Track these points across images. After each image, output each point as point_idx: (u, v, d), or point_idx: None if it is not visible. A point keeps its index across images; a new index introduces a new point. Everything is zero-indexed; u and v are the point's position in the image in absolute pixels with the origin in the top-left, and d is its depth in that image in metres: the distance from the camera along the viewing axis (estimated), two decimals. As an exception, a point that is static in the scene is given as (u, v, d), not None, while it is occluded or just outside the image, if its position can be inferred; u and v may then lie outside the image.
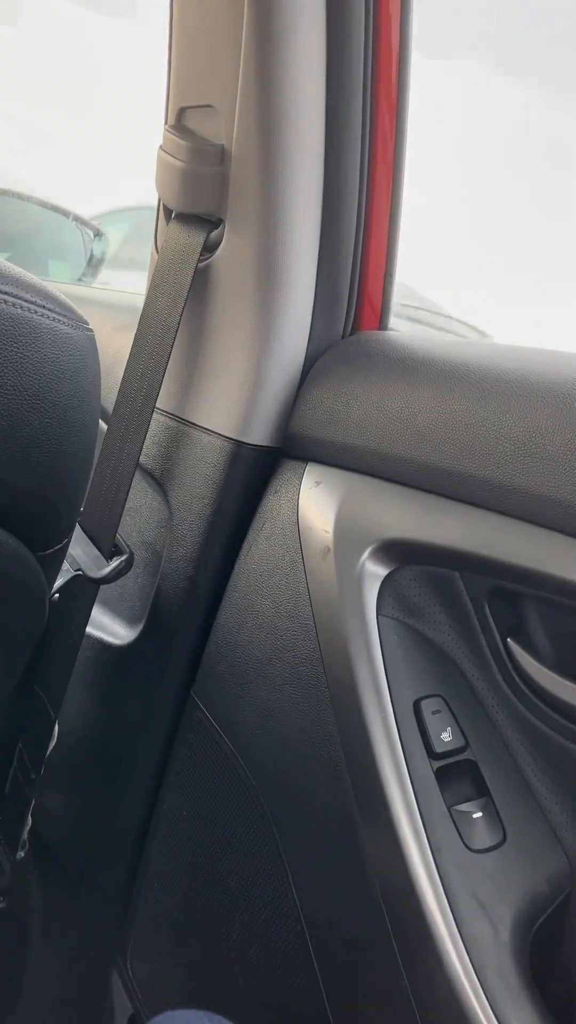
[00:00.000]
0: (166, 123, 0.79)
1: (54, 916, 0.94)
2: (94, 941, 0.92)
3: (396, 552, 0.66)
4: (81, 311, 0.60)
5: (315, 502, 0.72)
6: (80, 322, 0.59)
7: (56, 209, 1.39)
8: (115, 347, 0.86)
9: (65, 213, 1.39)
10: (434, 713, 0.63)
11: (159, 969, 0.86)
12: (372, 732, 0.63)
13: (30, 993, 0.94)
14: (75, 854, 0.93)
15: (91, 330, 0.60)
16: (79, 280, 1.46)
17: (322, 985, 0.68)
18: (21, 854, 0.85)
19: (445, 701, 0.64)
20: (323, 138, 0.73)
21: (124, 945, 0.89)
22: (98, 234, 1.39)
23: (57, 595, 0.77)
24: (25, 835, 0.85)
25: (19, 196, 1.44)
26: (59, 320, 0.57)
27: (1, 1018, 0.93)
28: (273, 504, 0.76)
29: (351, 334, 0.80)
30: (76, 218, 1.39)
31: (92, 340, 0.60)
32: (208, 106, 0.75)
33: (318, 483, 0.73)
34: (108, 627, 0.89)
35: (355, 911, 0.64)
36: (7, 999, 0.92)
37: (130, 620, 0.88)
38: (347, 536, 0.68)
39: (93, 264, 1.42)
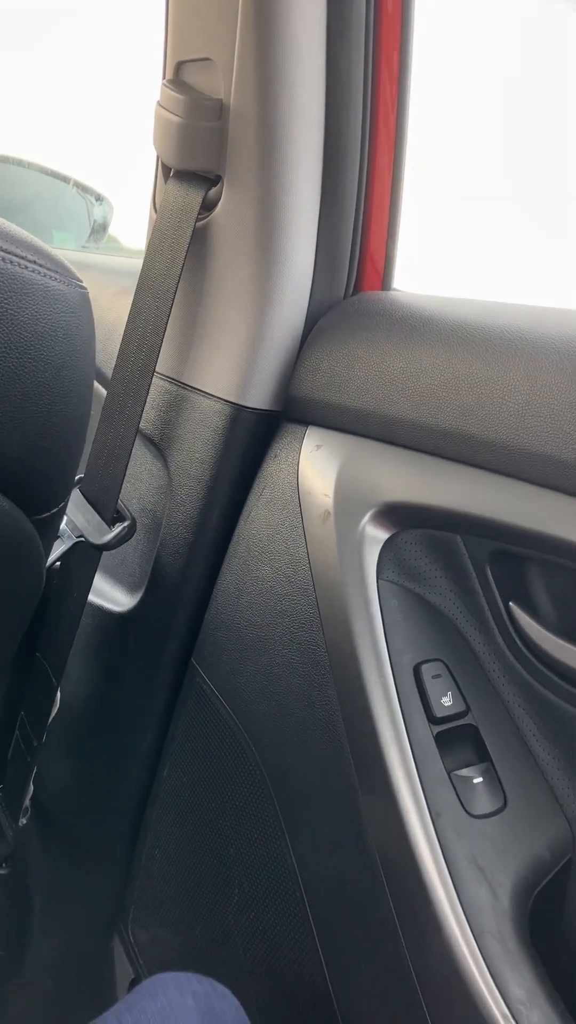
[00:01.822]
0: (164, 78, 0.77)
1: (56, 882, 0.95)
2: (96, 907, 0.92)
3: (397, 515, 0.65)
4: (82, 276, 0.58)
5: (315, 466, 0.71)
6: (73, 279, 0.57)
7: (56, 175, 1.37)
8: (116, 311, 0.85)
9: (65, 179, 1.36)
10: (434, 677, 0.63)
11: (160, 934, 0.86)
12: (372, 697, 0.62)
13: (33, 957, 0.95)
14: (77, 821, 0.93)
15: (84, 288, 0.58)
16: (83, 248, 1.45)
17: (320, 950, 0.68)
18: (23, 820, 0.86)
19: (446, 665, 0.63)
20: (324, 91, 0.71)
21: (125, 911, 0.89)
22: (99, 199, 1.37)
23: (59, 562, 0.77)
24: (27, 802, 0.85)
25: (19, 163, 1.42)
26: (51, 276, 0.55)
27: (5, 982, 0.94)
28: (273, 468, 0.75)
29: (353, 294, 0.78)
30: (76, 184, 1.36)
31: (86, 297, 0.59)
32: (206, 59, 0.73)
33: (318, 446, 0.72)
34: (108, 594, 0.88)
35: (354, 876, 0.64)
36: (11, 963, 0.93)
37: (130, 587, 0.87)
38: (347, 500, 0.67)
39: (96, 230, 1.40)
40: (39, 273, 0.55)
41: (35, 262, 0.55)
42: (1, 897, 0.91)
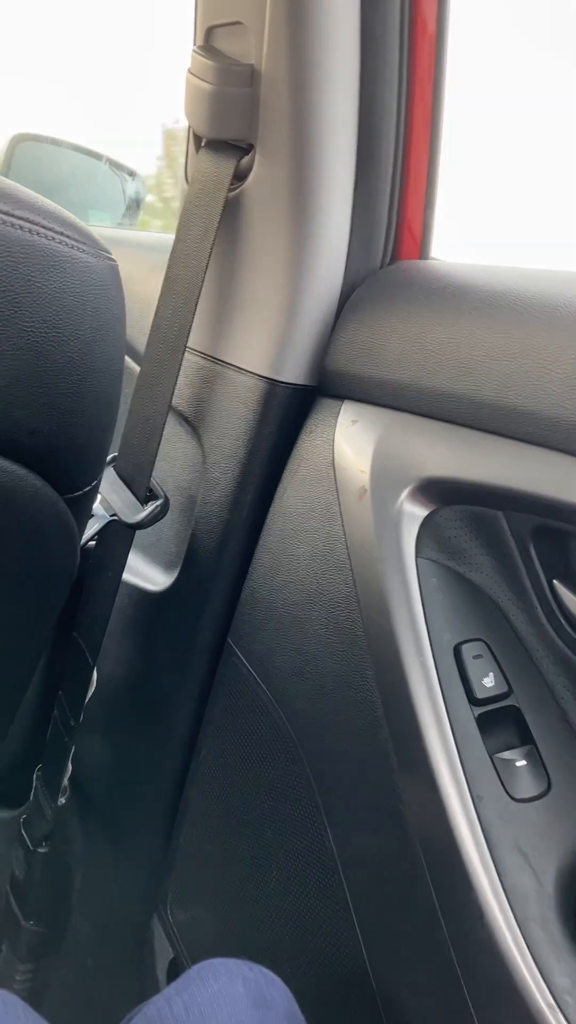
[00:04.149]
0: (194, 44, 0.75)
1: (95, 861, 0.95)
2: (135, 886, 0.92)
3: (436, 491, 0.63)
4: (116, 252, 0.57)
5: (352, 441, 0.69)
6: (102, 251, 0.56)
7: (89, 153, 1.36)
8: (150, 288, 0.83)
9: (98, 156, 1.35)
10: (475, 658, 0.61)
11: (198, 915, 0.86)
12: (410, 678, 0.60)
13: (73, 935, 0.95)
14: (115, 800, 0.93)
15: (113, 260, 0.57)
16: (118, 225, 1.44)
17: (360, 934, 0.67)
18: (62, 800, 0.86)
19: (487, 645, 0.61)
20: (358, 54, 0.69)
21: (164, 891, 0.89)
22: (132, 175, 1.36)
23: (93, 541, 0.76)
24: (66, 781, 0.85)
25: (54, 142, 1.41)
26: (79, 248, 0.54)
27: (46, 959, 0.95)
28: (308, 444, 0.73)
29: (389, 263, 0.76)
30: (109, 161, 1.35)
31: (115, 270, 0.57)
32: (237, 23, 0.71)
33: (355, 421, 0.70)
34: (144, 573, 0.88)
35: (393, 860, 0.63)
36: (51, 941, 0.93)
37: (166, 566, 0.86)
38: (384, 476, 0.65)
39: (131, 207, 1.39)
40: (67, 245, 0.54)
41: (63, 233, 0.54)
42: (41, 875, 0.91)
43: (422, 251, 0.77)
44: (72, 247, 0.54)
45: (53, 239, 0.53)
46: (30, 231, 0.52)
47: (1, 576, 0.64)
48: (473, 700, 0.60)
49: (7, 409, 0.54)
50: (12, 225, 0.51)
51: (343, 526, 0.68)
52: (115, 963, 0.96)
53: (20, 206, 0.52)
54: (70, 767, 0.85)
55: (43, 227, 0.53)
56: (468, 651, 0.61)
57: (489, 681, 0.60)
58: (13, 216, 0.51)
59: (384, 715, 0.63)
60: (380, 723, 0.63)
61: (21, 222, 0.51)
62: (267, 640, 0.75)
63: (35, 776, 0.88)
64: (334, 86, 0.69)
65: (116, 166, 1.35)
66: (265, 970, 0.58)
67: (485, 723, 0.60)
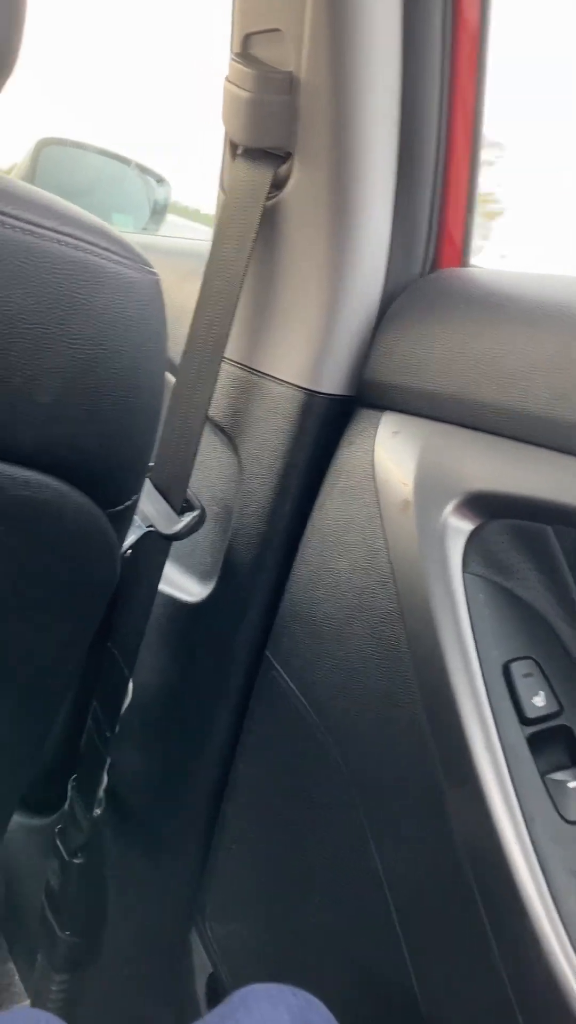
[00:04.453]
0: (232, 52, 0.74)
1: (132, 873, 0.94)
2: (172, 898, 0.92)
3: (482, 505, 0.62)
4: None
5: (393, 453, 0.68)
6: (145, 265, 0.56)
7: (117, 157, 1.35)
8: (183, 296, 0.83)
9: (126, 161, 1.35)
10: (525, 676, 0.60)
11: (238, 930, 0.85)
12: (458, 695, 0.59)
13: (110, 946, 0.95)
14: (151, 813, 0.92)
15: (156, 274, 0.57)
16: (143, 230, 1.43)
17: (407, 957, 0.66)
18: (98, 811, 0.86)
19: (537, 663, 0.60)
20: (400, 61, 0.68)
21: (202, 905, 0.89)
22: (160, 180, 1.35)
23: (129, 552, 0.76)
24: (101, 793, 0.85)
25: (79, 145, 1.41)
26: (123, 263, 0.54)
27: (84, 970, 0.95)
28: (347, 456, 0.72)
29: (430, 272, 0.75)
30: (137, 165, 1.35)
31: (158, 284, 0.57)
32: (275, 30, 0.70)
33: (395, 433, 0.69)
34: (180, 584, 0.87)
35: (442, 882, 0.62)
36: (88, 951, 0.93)
37: (202, 577, 0.86)
38: (428, 489, 0.64)
39: (157, 212, 1.39)
40: (111, 260, 0.53)
41: (107, 248, 0.53)
42: (77, 886, 0.91)
43: (463, 259, 0.75)
44: (117, 262, 0.53)
45: (99, 255, 0.52)
46: (75, 247, 0.51)
47: (43, 589, 0.63)
48: (523, 719, 0.59)
49: (52, 426, 0.54)
50: (59, 241, 0.50)
51: (385, 539, 0.67)
52: (153, 976, 0.96)
53: (66, 222, 0.51)
54: (105, 778, 0.84)
55: (88, 242, 0.52)
56: (518, 669, 0.60)
57: (540, 700, 0.59)
58: (59, 232, 0.51)
59: (431, 733, 0.62)
60: (427, 740, 0.62)
61: (67, 238, 0.51)
62: (307, 654, 0.74)
63: (70, 786, 0.88)
64: (375, 92, 0.68)
65: (144, 171, 1.35)
66: (309, 995, 0.57)
67: (536, 743, 0.59)
